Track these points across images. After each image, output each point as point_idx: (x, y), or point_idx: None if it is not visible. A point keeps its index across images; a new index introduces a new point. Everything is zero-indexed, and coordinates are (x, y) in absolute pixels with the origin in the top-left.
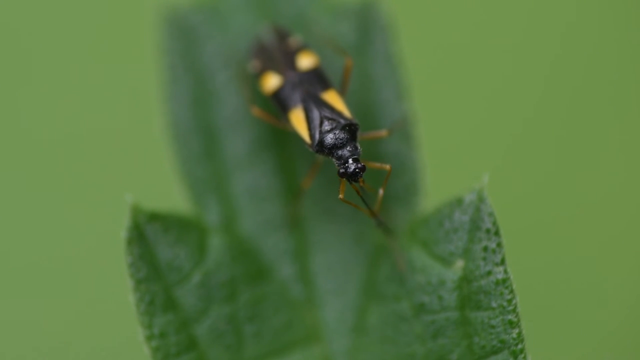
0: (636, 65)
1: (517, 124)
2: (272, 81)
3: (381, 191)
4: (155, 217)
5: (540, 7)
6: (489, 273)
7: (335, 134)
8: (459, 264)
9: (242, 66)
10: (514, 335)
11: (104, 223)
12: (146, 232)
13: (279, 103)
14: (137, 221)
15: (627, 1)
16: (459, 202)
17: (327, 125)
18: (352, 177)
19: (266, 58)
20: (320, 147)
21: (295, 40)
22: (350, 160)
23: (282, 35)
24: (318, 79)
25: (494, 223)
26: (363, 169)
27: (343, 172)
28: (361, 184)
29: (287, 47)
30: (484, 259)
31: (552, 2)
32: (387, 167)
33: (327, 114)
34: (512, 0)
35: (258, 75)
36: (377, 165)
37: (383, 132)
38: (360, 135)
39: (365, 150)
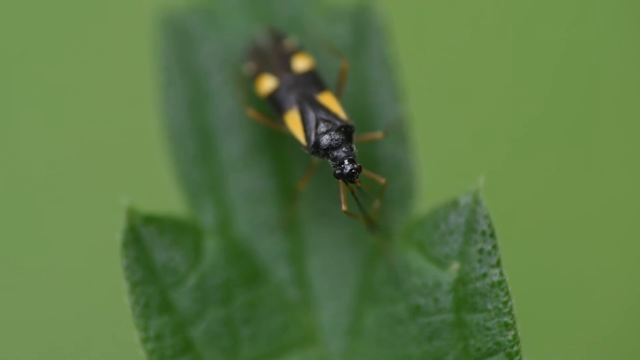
0: (638, 70)
1: (514, 125)
2: (267, 83)
3: (377, 203)
4: (150, 220)
5: (540, 9)
6: (485, 275)
7: (330, 135)
8: (455, 266)
9: (238, 68)
10: (510, 338)
11: (100, 225)
12: (142, 234)
13: (274, 105)
14: (132, 224)
15: (630, 6)
16: (454, 204)
17: (322, 127)
18: (348, 177)
19: (262, 60)
20: (316, 148)
21: (290, 42)
22: (346, 161)
23: (277, 37)
24: (314, 81)
25: (490, 225)
26: (359, 169)
27: (339, 173)
28: (357, 184)
29: (283, 49)
30: (480, 261)
31: (552, 5)
32: (382, 180)
33: (323, 115)
34: (509, 2)
35: (253, 78)
36: (374, 176)
37: (379, 134)
38: (355, 137)
39: (360, 152)
